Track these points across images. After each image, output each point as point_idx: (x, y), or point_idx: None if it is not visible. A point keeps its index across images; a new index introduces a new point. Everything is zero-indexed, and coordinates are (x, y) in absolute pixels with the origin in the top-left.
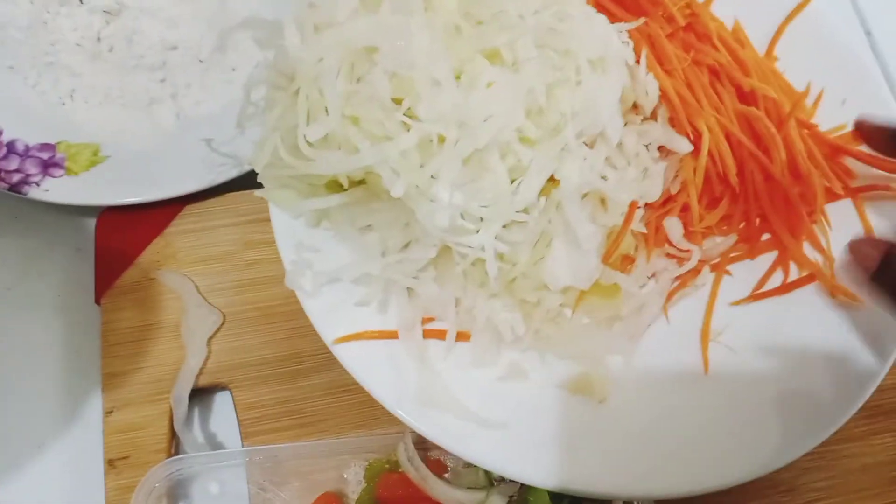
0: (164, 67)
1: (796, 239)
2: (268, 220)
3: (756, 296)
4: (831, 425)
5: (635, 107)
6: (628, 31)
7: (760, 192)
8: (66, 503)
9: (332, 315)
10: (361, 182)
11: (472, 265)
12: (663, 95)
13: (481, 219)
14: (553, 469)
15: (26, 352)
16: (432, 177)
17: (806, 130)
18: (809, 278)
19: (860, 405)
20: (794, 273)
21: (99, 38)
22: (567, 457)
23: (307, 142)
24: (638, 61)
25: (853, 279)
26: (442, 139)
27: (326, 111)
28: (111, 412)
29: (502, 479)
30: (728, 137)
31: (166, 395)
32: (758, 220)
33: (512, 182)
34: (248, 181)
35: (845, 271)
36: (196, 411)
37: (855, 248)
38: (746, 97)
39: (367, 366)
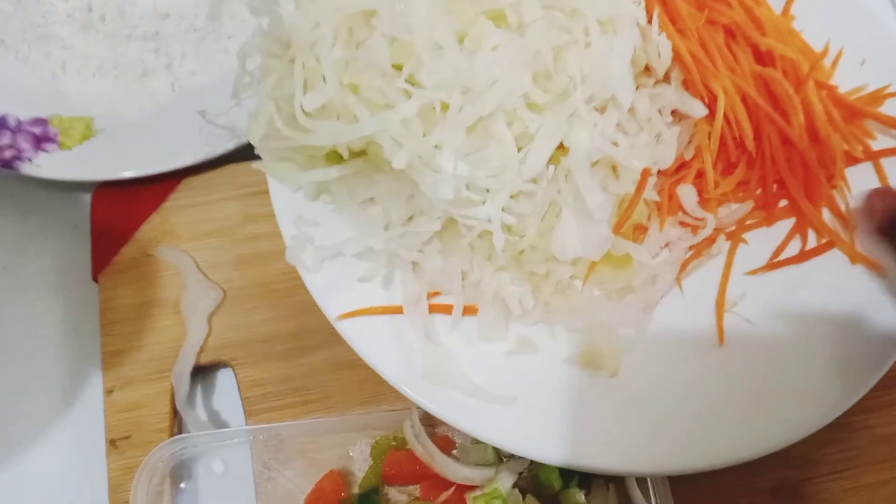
0: (158, 37)
1: (814, 205)
2: (268, 192)
3: (773, 265)
4: (852, 396)
5: (647, 69)
6: None
7: (778, 157)
8: (68, 484)
9: (334, 290)
10: (362, 153)
11: (478, 237)
12: (676, 57)
13: (487, 190)
14: (563, 445)
15: (25, 332)
16: (436, 146)
17: (825, 92)
18: (828, 245)
19: (882, 374)
20: (813, 240)
21: (90, 8)
22: (577, 433)
23: (304, 111)
24: (650, 21)
25: (862, 229)
26: (445, 106)
27: (324, 79)
28: (112, 391)
29: (511, 456)
30: (744, 100)
31: (167, 373)
32: (775, 186)
33: (519, 150)
34: (246, 153)
35: (856, 221)
36: (198, 389)
37: (867, 199)
38: (763, 58)
39: (371, 342)
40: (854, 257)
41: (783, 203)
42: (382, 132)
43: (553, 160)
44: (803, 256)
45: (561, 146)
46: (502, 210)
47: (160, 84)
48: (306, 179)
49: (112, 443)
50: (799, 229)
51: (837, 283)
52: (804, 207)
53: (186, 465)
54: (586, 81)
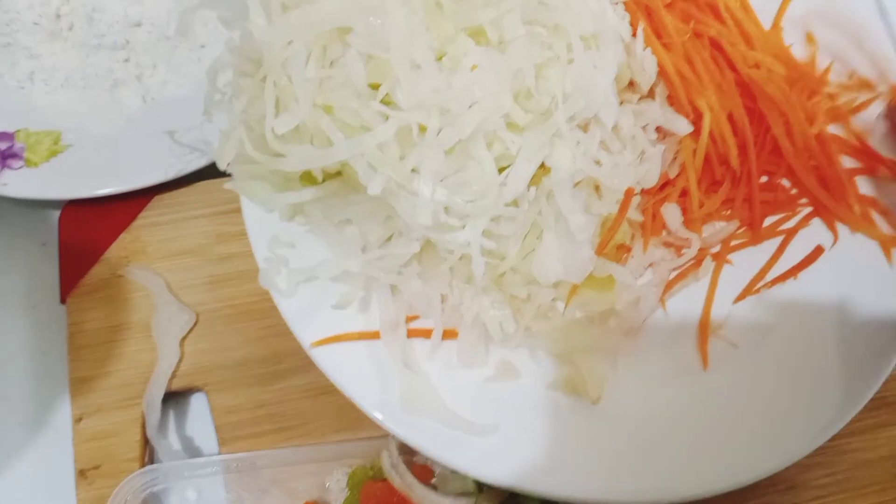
0: (128, 46)
1: (836, 199)
2: (241, 210)
3: (762, 286)
4: (839, 421)
5: (631, 84)
6: (624, 2)
7: (787, 153)
8: None
9: (309, 316)
10: (338, 174)
11: (458, 260)
12: (662, 72)
13: (467, 213)
14: (544, 475)
15: None
16: (413, 170)
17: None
18: (817, 253)
19: (869, 398)
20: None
21: (58, 16)
22: (559, 462)
23: (275, 134)
24: (634, 35)
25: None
26: (423, 128)
27: (296, 100)
28: (81, 419)
29: (491, 486)
30: (729, 116)
31: (138, 399)
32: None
33: (500, 171)
34: (219, 169)
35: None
36: (170, 415)
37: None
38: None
39: (347, 370)
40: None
41: (769, 221)
42: (357, 157)
43: (534, 181)
44: (793, 271)
45: (542, 166)
46: (482, 234)
47: (131, 95)
48: (280, 202)
49: (81, 473)
50: (822, 218)
51: (821, 307)
52: (824, 200)
53: (158, 497)
54: (569, 100)
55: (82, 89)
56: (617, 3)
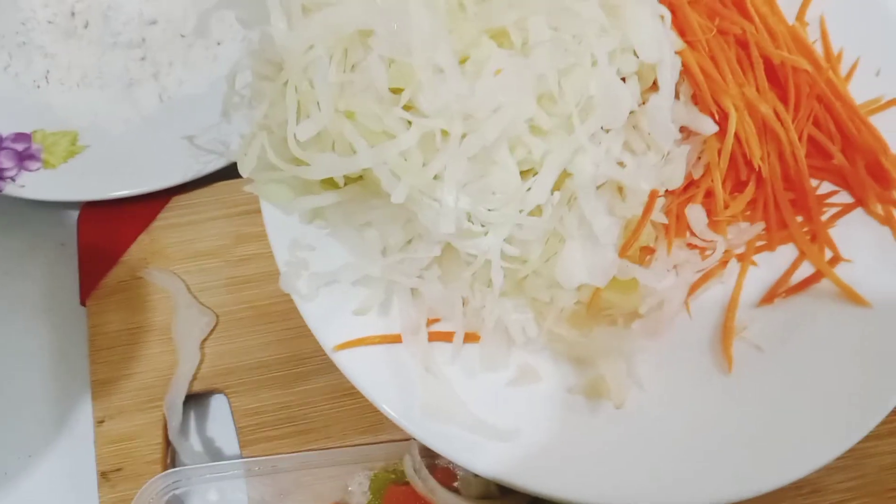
0: (144, 44)
1: (813, 241)
2: (260, 211)
3: (788, 290)
4: (866, 425)
5: (655, 84)
6: None
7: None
8: None
9: (331, 319)
10: (359, 178)
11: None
12: (686, 70)
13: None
14: (566, 480)
15: (10, 356)
16: (435, 177)
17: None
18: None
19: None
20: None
21: (73, 14)
22: (581, 466)
23: (297, 141)
24: None
25: None
26: (446, 133)
27: (318, 106)
28: (102, 421)
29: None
30: (753, 115)
31: (159, 402)
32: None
33: (522, 174)
34: (237, 169)
35: None
36: (191, 417)
37: None
38: (775, 70)
39: (370, 374)
40: (844, 292)
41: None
42: (380, 165)
43: (556, 185)
44: (818, 276)
45: (564, 170)
46: (505, 241)
47: (147, 94)
48: (300, 206)
49: (104, 475)
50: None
51: (846, 310)
52: (796, 235)
53: (180, 499)
54: (594, 111)
55: (98, 88)
56: None
